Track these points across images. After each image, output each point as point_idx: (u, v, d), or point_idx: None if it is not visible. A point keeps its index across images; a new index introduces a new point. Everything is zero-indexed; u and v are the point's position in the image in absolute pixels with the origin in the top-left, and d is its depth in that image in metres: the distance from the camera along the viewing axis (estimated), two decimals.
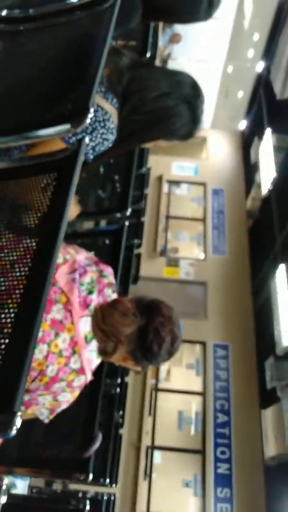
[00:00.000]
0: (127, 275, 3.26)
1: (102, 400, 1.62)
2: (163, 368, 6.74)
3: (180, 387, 6.73)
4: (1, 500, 1.10)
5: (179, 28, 7.42)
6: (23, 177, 0.82)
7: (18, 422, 0.46)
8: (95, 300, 0.95)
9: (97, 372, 1.17)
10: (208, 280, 7.05)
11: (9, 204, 0.83)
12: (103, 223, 2.75)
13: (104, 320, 0.93)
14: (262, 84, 7.60)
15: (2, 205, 0.85)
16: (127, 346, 0.93)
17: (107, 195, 2.94)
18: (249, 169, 8.05)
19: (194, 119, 1.16)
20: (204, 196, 8.10)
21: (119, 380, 2.64)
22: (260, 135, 7.17)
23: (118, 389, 2.60)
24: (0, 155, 0.97)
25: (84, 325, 0.92)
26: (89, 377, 0.94)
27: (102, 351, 0.95)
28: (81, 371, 0.92)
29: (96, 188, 2.86)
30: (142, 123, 1.13)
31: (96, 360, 0.96)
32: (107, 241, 2.48)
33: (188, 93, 1.12)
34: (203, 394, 6.20)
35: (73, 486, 3.10)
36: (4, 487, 1.14)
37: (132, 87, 1.09)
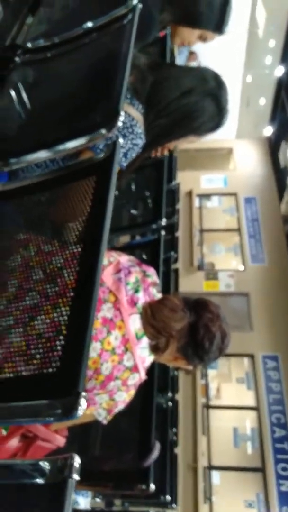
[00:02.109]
0: (166, 292, 3.26)
1: (155, 415, 1.60)
2: (213, 385, 6.58)
3: (232, 403, 6.53)
4: None
5: (195, 46, 7.56)
6: (63, 184, 0.85)
7: (83, 403, 0.47)
8: (141, 298, 0.96)
9: (149, 383, 1.16)
10: (250, 291, 6.90)
11: (52, 212, 0.86)
12: (138, 237, 2.78)
13: (154, 316, 0.93)
14: (284, 88, 7.55)
15: (46, 214, 0.88)
16: (178, 342, 0.93)
17: (140, 212, 2.99)
18: (279, 174, 7.92)
19: (220, 110, 1.16)
20: (237, 206, 8.02)
21: (170, 394, 2.60)
22: (287, 139, 7.07)
23: (170, 403, 2.56)
24: (39, 168, 1.01)
25: (134, 323, 0.93)
26: (143, 375, 0.94)
27: (154, 348, 0.95)
28: (134, 368, 0.92)
29: (129, 206, 2.91)
30: (168, 124, 1.14)
31: (148, 358, 0.96)
32: (144, 256, 2.50)
33: (210, 86, 1.13)
34: (257, 408, 5.97)
35: (133, 508, 3.05)
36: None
37: (155, 90, 1.11)
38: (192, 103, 1.11)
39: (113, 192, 0.75)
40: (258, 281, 7.00)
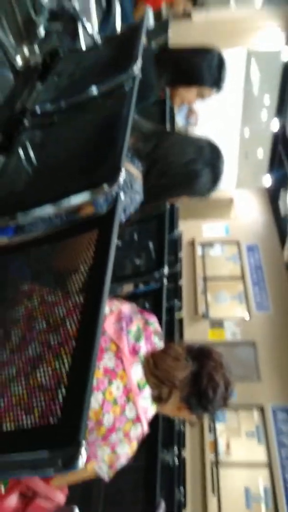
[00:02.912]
0: (171, 341, 3.22)
1: (160, 472, 1.54)
2: (222, 440, 6.29)
3: (242, 459, 6.20)
4: None
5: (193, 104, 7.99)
6: (67, 238, 0.89)
7: (83, 453, 0.47)
8: (143, 347, 0.97)
9: (153, 437, 1.14)
10: (256, 339, 6.78)
11: (56, 264, 0.90)
12: (142, 286, 2.80)
13: (156, 366, 0.93)
14: (280, 140, 7.87)
15: (50, 266, 0.91)
16: (181, 392, 0.92)
17: (143, 261, 3.03)
18: (280, 222, 8.06)
19: (216, 178, 1.27)
20: (239, 254, 8.08)
21: (176, 450, 2.50)
22: (286, 188, 7.27)
23: (176, 460, 2.45)
24: (44, 222, 1.06)
25: (136, 372, 0.93)
26: (145, 427, 0.93)
27: (156, 398, 0.94)
28: (137, 419, 0.90)
29: (132, 256, 2.96)
30: (169, 185, 1.24)
31: (151, 408, 0.95)
32: (147, 305, 2.50)
33: (210, 157, 1.23)
34: (269, 465, 5.66)
35: None
36: None
37: (158, 154, 1.21)
38: (193, 172, 1.22)
39: (114, 245, 0.79)
40: (264, 329, 6.90)
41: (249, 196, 9.10)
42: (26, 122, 1.40)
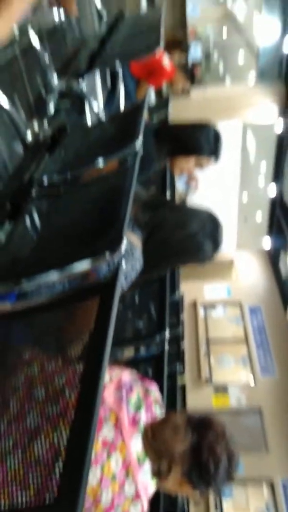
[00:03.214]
0: (173, 408, 3.10)
1: None
2: None
3: None
4: None
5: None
6: (69, 304, 0.90)
7: None
8: (143, 417, 0.94)
9: None
10: (263, 406, 6.51)
11: (56, 330, 0.91)
12: (143, 350, 2.75)
13: (155, 438, 0.90)
14: (278, 205, 8.13)
15: (51, 333, 0.92)
16: (182, 466, 0.88)
17: (144, 324, 3.01)
18: (282, 284, 8.09)
19: (216, 248, 1.33)
20: (242, 316, 8.01)
21: None
22: (286, 250, 7.39)
23: None
24: (47, 288, 1.08)
25: (135, 444, 0.90)
26: (145, 504, 0.87)
27: (156, 472, 0.90)
28: (136, 497, 0.86)
29: (133, 319, 2.95)
30: (168, 256, 1.29)
31: (151, 484, 0.90)
32: (149, 370, 2.45)
33: (211, 230, 1.29)
34: None
35: None
36: None
37: (159, 225, 1.27)
38: (195, 245, 1.28)
39: (115, 313, 0.81)
40: (270, 395, 6.65)
41: (250, 257, 9.21)
42: (33, 192, 1.48)
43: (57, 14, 2.98)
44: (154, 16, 3.13)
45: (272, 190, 8.18)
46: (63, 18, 3.08)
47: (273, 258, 8.74)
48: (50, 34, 2.95)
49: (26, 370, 0.84)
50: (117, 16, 3.47)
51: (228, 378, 7.32)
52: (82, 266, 0.97)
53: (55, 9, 2.82)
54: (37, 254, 1.17)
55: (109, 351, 0.79)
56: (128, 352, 2.22)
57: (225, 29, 12.04)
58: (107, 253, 0.91)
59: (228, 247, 9.10)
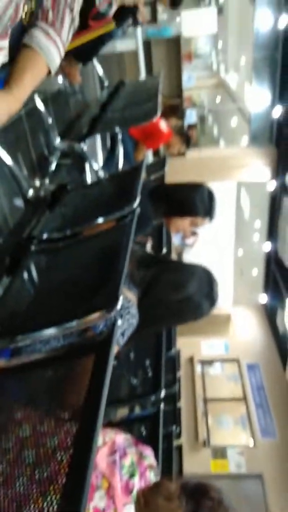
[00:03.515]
0: (169, 473, 2.94)
1: None
2: None
3: None
4: None
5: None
6: (63, 362, 0.90)
7: None
8: (137, 484, 0.90)
9: None
10: (264, 471, 6.15)
11: (50, 389, 0.89)
12: (138, 410, 2.66)
13: (147, 506, 0.85)
14: (273, 261, 8.23)
15: (43, 391, 0.90)
16: None
17: (139, 381, 2.93)
18: (280, 340, 7.98)
19: (212, 305, 1.34)
20: (240, 373, 7.81)
21: None
22: (283, 306, 7.37)
23: None
24: (40, 345, 1.08)
25: None
26: None
27: None
28: None
29: (128, 376, 2.88)
30: (166, 316, 1.30)
31: None
32: (143, 431, 2.35)
33: (207, 289, 1.31)
34: None
35: None
36: None
37: (154, 284, 1.28)
38: (192, 306, 1.30)
39: (110, 372, 0.80)
40: (271, 459, 6.31)
41: (247, 313, 9.16)
42: (32, 247, 1.52)
43: (62, 81, 3.20)
44: (152, 84, 3.37)
45: (266, 247, 8.33)
46: (67, 85, 3.32)
47: (270, 314, 8.70)
48: (54, 98, 3.15)
49: (17, 431, 0.82)
50: (118, 83, 3.73)
51: (227, 440, 6.99)
52: (79, 323, 0.97)
53: (60, 77, 3.04)
54: (34, 309, 1.18)
55: (103, 412, 0.78)
56: (122, 412, 2.14)
57: (218, 96, 12.90)
58: (103, 311, 0.92)
59: (225, 302, 9.08)
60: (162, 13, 7.60)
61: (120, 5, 2.60)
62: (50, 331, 0.98)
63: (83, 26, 2.39)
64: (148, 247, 2.20)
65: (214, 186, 2.10)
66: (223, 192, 9.32)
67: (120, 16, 2.88)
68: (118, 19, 2.77)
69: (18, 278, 1.37)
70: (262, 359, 7.91)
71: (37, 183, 2.65)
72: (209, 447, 6.64)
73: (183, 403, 6.34)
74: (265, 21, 6.61)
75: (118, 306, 0.91)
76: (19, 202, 2.27)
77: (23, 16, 0.84)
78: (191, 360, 7.91)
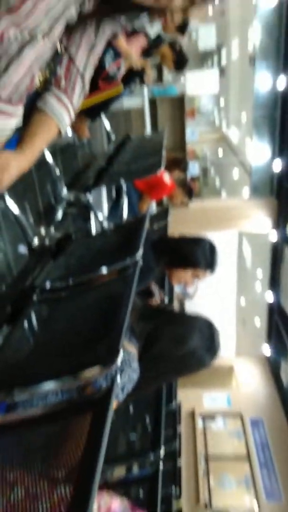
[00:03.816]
0: None
1: None
2: None
3: None
4: None
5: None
6: (60, 420, 0.87)
7: None
8: None
9: None
10: None
11: (45, 448, 0.86)
12: (135, 468, 2.54)
13: None
14: (276, 311, 8.15)
15: (38, 450, 0.87)
16: None
17: (138, 436, 2.81)
18: (284, 393, 7.72)
19: (213, 358, 1.32)
20: (243, 429, 7.49)
21: None
22: (286, 358, 7.20)
23: None
24: (38, 400, 1.05)
25: None
26: None
27: None
28: None
29: (127, 430, 2.76)
30: (168, 370, 1.29)
31: None
32: (141, 492, 2.22)
33: (210, 341, 1.31)
34: None
35: None
36: None
37: (156, 337, 1.27)
38: (195, 360, 1.29)
39: (107, 432, 0.77)
40: None
41: (250, 364, 8.94)
42: (34, 296, 1.52)
43: (71, 135, 3.35)
44: (157, 140, 3.52)
45: (269, 297, 8.28)
46: (76, 139, 3.47)
47: (273, 366, 8.48)
48: (63, 151, 3.29)
49: (9, 494, 0.78)
50: (124, 138, 3.90)
51: (230, 502, 6.57)
52: (77, 378, 0.95)
53: (69, 131, 3.20)
54: (33, 361, 1.16)
55: (100, 473, 0.74)
56: (119, 471, 2.03)
57: (220, 150, 13.41)
58: (103, 366, 0.90)
59: (227, 352, 8.90)
60: (168, 74, 8.10)
61: (128, 68, 2.78)
62: (48, 386, 0.96)
63: (93, 86, 2.55)
64: (156, 294, 2.20)
65: (216, 235, 2.14)
66: (225, 242, 9.44)
67: (128, 78, 3.08)
68: (126, 81, 2.96)
69: (18, 328, 1.36)
70: (266, 413, 7.62)
71: (43, 231, 2.70)
72: (211, 510, 6.24)
73: (183, 461, 6.03)
74: (264, 82, 7.02)
75: (119, 361, 0.90)
76: (23, 250, 2.30)
77: (38, 84, 0.90)
78: (192, 414, 7.61)
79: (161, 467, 1.88)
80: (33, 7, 0.72)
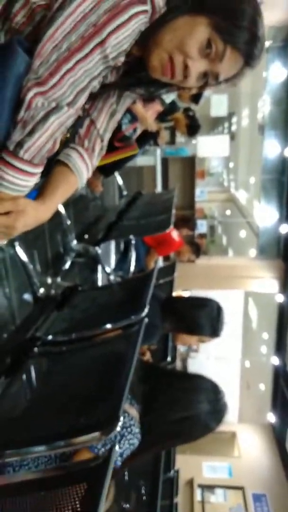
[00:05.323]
0: None
1: None
2: None
3: None
4: None
5: None
6: (50, 488, 0.81)
7: None
8: None
9: None
10: None
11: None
12: None
13: None
14: (281, 376, 7.87)
15: None
16: None
17: (132, 507, 2.62)
18: None
19: (218, 424, 1.25)
20: (245, 504, 6.95)
21: None
22: None
23: None
24: (28, 464, 0.98)
25: None
26: None
27: None
28: None
29: (120, 499, 2.58)
30: (171, 436, 1.22)
31: None
32: None
33: (214, 408, 1.24)
34: None
35: None
36: None
37: (157, 400, 1.21)
38: (199, 425, 1.23)
39: (103, 506, 0.71)
40: None
41: (253, 432, 8.49)
42: (35, 349, 1.48)
43: (85, 189, 3.46)
44: (167, 198, 3.61)
45: (274, 360, 8.04)
46: (89, 192, 3.58)
47: (278, 436, 8.04)
48: (76, 202, 3.37)
49: None
50: (136, 194, 4.02)
51: None
52: (72, 442, 0.90)
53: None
54: (28, 419, 1.10)
55: None
56: None
57: (228, 210, 13.72)
58: (101, 432, 0.85)
59: (230, 417, 8.50)
60: (180, 137, 8.49)
61: (143, 129, 2.93)
62: (40, 449, 0.90)
63: (110, 146, 2.67)
64: (147, 357, 2.16)
65: (222, 293, 2.12)
66: (231, 301, 9.35)
67: (143, 139, 3.23)
68: (141, 142, 3.09)
69: (16, 380, 1.32)
70: (269, 488, 7.10)
71: (49, 280, 2.70)
72: None
73: None
74: (272, 149, 7.31)
75: (118, 428, 0.85)
76: (28, 299, 2.29)
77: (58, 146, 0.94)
78: (190, 483, 7.12)
79: None
80: (60, 80, 0.78)
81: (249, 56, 0.82)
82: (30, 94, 0.78)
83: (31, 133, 0.80)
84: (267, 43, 6.57)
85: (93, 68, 0.80)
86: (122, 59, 0.83)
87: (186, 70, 0.82)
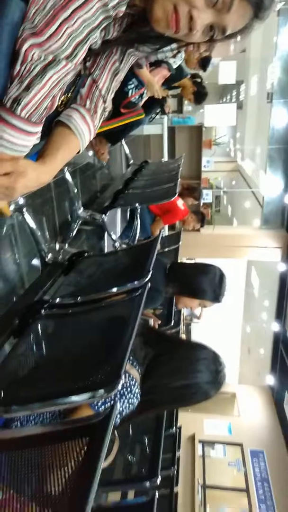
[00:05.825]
0: None
1: None
2: None
3: None
4: None
5: None
6: (55, 442, 0.84)
7: None
8: None
9: None
10: None
11: (38, 470, 0.83)
12: (131, 494, 2.51)
13: None
14: (281, 342, 8.07)
15: (31, 473, 0.83)
16: None
17: (136, 458, 2.77)
18: (286, 427, 7.55)
19: (217, 391, 1.29)
20: (243, 460, 7.31)
21: None
22: None
23: None
24: (34, 419, 1.06)
25: None
26: None
27: None
28: None
29: (125, 452, 2.73)
30: (170, 401, 1.27)
31: None
32: None
33: (214, 376, 1.27)
34: None
35: None
36: None
37: (158, 366, 1.25)
38: (199, 393, 1.25)
39: (103, 458, 0.76)
40: None
41: (252, 393, 8.79)
42: (43, 311, 1.55)
43: (92, 156, 3.47)
44: (173, 167, 3.61)
45: (275, 326, 8.21)
46: (96, 160, 3.58)
47: (276, 397, 8.33)
48: (83, 171, 3.39)
49: None
50: (142, 162, 4.01)
51: None
52: (76, 399, 0.95)
53: (90, 152, 3.30)
54: (34, 378, 1.15)
55: (91, 503, 0.71)
56: (114, 496, 1.97)
57: (234, 180, 13.55)
58: (103, 391, 0.90)
59: (231, 379, 8.77)
60: (187, 105, 8.28)
61: (150, 96, 2.90)
62: (45, 405, 0.95)
63: (116, 112, 2.66)
64: (151, 323, 2.22)
65: (225, 262, 2.18)
66: (234, 269, 9.42)
67: (150, 106, 3.20)
68: (147, 108, 3.07)
69: (24, 341, 1.36)
70: (266, 446, 7.44)
71: (57, 246, 2.76)
72: None
73: (180, 488, 5.90)
74: (280, 118, 7.15)
75: (119, 386, 0.89)
76: (37, 264, 2.36)
77: (58, 104, 0.89)
78: (192, 438, 7.48)
79: (157, 495, 1.84)
80: (57, 30, 0.73)
81: (259, 5, 0.75)
82: (26, 46, 0.72)
83: (28, 88, 0.75)
84: (279, 5, 6.28)
85: (92, 17, 0.74)
86: (123, 8, 0.76)
87: (192, 21, 0.76)
